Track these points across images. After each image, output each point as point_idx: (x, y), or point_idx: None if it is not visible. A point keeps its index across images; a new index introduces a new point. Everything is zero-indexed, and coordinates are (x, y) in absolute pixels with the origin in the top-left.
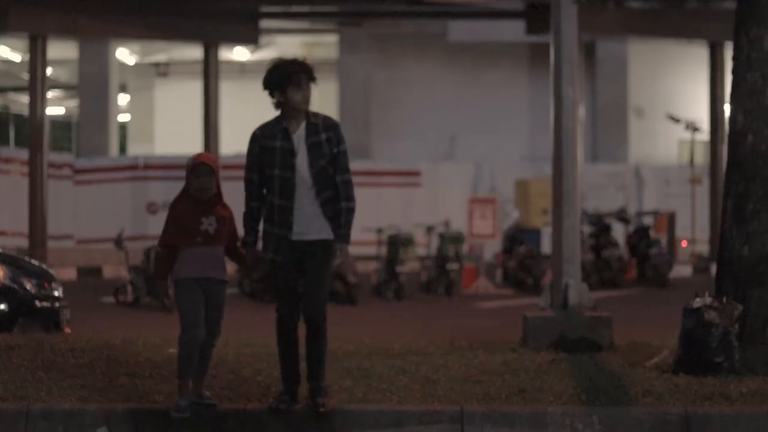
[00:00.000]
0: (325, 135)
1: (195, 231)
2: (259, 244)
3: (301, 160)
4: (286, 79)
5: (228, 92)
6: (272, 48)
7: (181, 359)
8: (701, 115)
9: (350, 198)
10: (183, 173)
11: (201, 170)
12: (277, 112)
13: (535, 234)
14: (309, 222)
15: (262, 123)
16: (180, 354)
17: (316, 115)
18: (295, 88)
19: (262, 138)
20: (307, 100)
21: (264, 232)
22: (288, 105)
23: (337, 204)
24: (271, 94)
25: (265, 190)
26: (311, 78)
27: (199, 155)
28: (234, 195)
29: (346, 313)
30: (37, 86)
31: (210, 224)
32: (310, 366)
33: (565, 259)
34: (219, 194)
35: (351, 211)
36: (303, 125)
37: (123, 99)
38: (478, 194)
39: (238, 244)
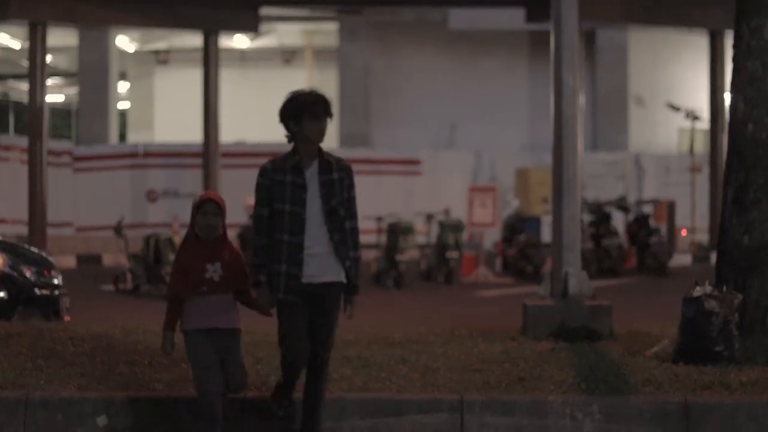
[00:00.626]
0: (338, 175)
1: (200, 280)
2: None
3: (313, 197)
4: (302, 109)
5: (228, 80)
6: (272, 35)
7: (198, 409)
8: (701, 103)
9: (358, 247)
10: (183, 161)
11: (208, 208)
12: (287, 147)
13: (535, 222)
14: (321, 263)
15: (273, 159)
16: (197, 404)
17: (329, 154)
18: (312, 120)
19: (272, 172)
20: (322, 133)
21: (271, 272)
22: (302, 137)
23: (347, 250)
24: (286, 125)
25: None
26: (328, 112)
27: (206, 193)
28: (233, 183)
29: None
30: (36, 74)
31: (215, 271)
32: (307, 407)
33: (565, 248)
34: (224, 235)
35: (359, 261)
36: (316, 162)
37: (123, 87)
38: (478, 183)
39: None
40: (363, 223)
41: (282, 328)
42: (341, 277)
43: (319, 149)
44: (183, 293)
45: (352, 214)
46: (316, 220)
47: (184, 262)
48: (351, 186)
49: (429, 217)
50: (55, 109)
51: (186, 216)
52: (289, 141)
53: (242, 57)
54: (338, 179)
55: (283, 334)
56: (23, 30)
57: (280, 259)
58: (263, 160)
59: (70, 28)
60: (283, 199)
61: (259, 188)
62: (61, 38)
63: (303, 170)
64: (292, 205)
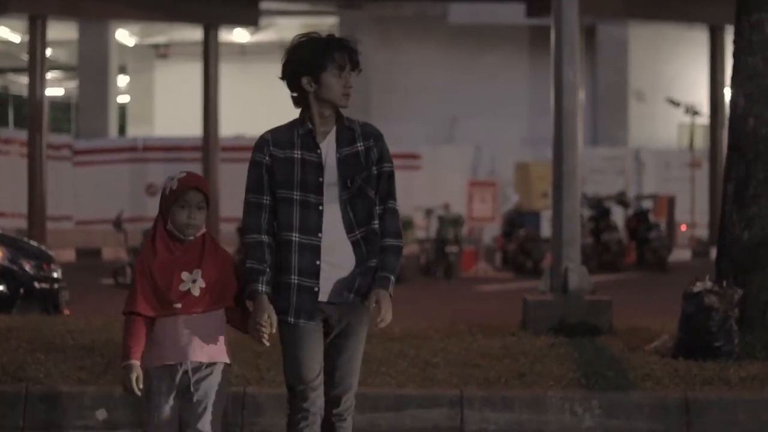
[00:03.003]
0: (363, 145)
1: (172, 293)
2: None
3: (330, 179)
4: (326, 60)
5: (228, 74)
6: (272, 30)
7: None
8: (701, 98)
9: (398, 234)
10: (183, 155)
11: (191, 199)
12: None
13: (535, 217)
14: (345, 272)
15: (274, 127)
16: None
17: (349, 119)
18: (338, 74)
19: (275, 146)
20: (348, 93)
21: (276, 284)
22: (319, 99)
23: (378, 242)
24: (293, 83)
25: (276, 223)
26: (355, 63)
27: (186, 177)
28: (233, 177)
29: None
30: (36, 67)
31: (194, 282)
32: None
33: (564, 243)
34: (207, 233)
35: (399, 251)
36: (333, 131)
37: (122, 80)
38: (478, 177)
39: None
40: None
41: (287, 358)
42: (353, 299)
43: (338, 113)
44: (149, 310)
45: (389, 193)
46: (335, 211)
47: (150, 269)
48: (383, 157)
49: (428, 212)
50: (55, 102)
51: None
52: (297, 105)
53: (242, 51)
54: (364, 151)
55: (290, 373)
56: (23, 23)
57: (289, 266)
58: None
59: (70, 22)
60: (290, 183)
61: (255, 168)
62: (61, 32)
63: (317, 142)
64: (304, 193)
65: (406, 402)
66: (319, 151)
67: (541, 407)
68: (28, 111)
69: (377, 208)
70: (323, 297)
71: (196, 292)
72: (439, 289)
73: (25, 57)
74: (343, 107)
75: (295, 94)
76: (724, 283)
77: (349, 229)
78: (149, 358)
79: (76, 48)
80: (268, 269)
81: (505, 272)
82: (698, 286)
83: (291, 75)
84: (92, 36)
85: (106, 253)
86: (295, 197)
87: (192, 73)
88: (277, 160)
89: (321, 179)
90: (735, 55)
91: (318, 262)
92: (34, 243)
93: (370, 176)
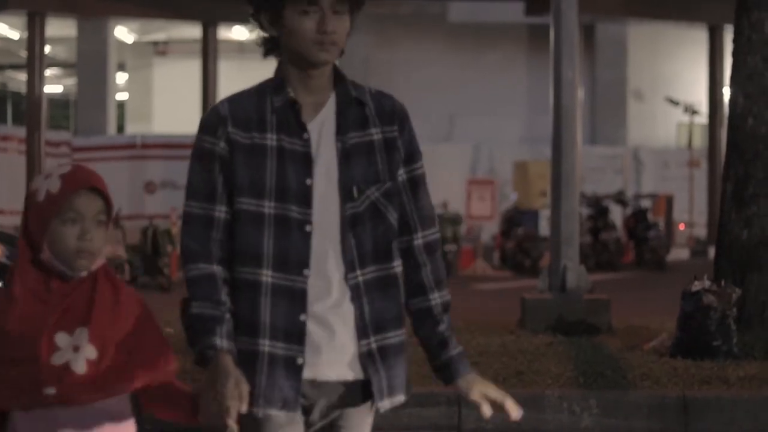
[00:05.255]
0: (382, 131)
1: (42, 370)
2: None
3: (325, 181)
4: None
5: (226, 71)
6: None
7: None
8: (700, 98)
9: (441, 282)
10: (182, 153)
11: (83, 206)
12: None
13: (533, 216)
14: (341, 338)
15: (234, 93)
16: None
17: (356, 85)
18: (301, 9)
19: (235, 125)
20: (325, 41)
21: (241, 351)
22: (290, 51)
23: (397, 296)
24: (255, 18)
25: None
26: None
27: (74, 172)
28: None
29: None
30: (35, 64)
31: (77, 348)
32: None
33: (563, 242)
34: (104, 268)
35: (447, 308)
36: (330, 104)
37: (121, 77)
38: (477, 176)
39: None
40: None
41: None
42: (361, 374)
43: (336, 75)
44: (3, 399)
45: (424, 215)
46: (334, 236)
47: (3, 329)
48: (413, 153)
49: None
50: (54, 99)
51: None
52: (267, 53)
53: (241, 48)
54: (381, 141)
55: None
56: (22, 20)
57: (254, 323)
58: None
59: (69, 19)
60: (258, 187)
61: (202, 160)
62: (60, 29)
63: (303, 122)
64: (281, 203)
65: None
66: (306, 135)
67: (539, 406)
68: (27, 108)
69: (402, 240)
70: (310, 373)
71: (79, 368)
72: None
73: (23, 54)
74: (319, 63)
75: (264, 35)
76: (723, 283)
77: (350, 266)
78: None
79: (74, 45)
80: (227, 315)
81: (504, 271)
82: (697, 286)
83: (253, 7)
84: (91, 33)
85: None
86: (266, 210)
87: (191, 70)
88: (239, 148)
89: (309, 181)
90: (734, 54)
91: (302, 317)
92: None
93: (392, 187)
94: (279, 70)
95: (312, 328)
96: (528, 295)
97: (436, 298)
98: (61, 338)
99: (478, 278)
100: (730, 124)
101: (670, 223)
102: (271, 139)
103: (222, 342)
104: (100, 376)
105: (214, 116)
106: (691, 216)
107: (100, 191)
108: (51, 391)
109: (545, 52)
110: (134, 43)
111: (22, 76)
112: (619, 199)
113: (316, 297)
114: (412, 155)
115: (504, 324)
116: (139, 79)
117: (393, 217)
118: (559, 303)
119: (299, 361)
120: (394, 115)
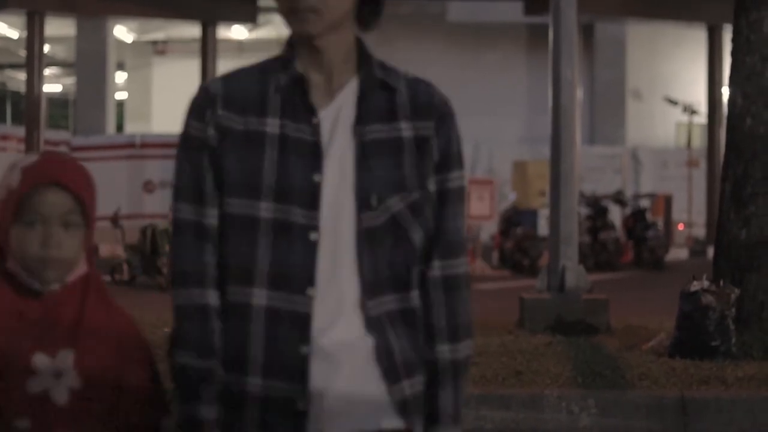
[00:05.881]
0: (414, 127)
1: (14, 398)
2: None
3: (337, 182)
4: None
5: (225, 71)
6: (270, 27)
7: None
8: (699, 97)
9: (458, 330)
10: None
11: (46, 205)
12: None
13: (532, 215)
14: (354, 374)
15: (231, 70)
16: None
17: (386, 66)
18: None
19: (227, 106)
20: (299, 7)
21: (227, 395)
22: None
23: (415, 334)
24: None
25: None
26: None
27: (40, 163)
28: None
29: None
30: (34, 63)
31: (59, 375)
32: None
33: (562, 241)
34: (91, 276)
35: (459, 369)
36: (351, 88)
37: (120, 77)
38: (476, 175)
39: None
40: None
41: None
42: (399, 422)
43: (361, 54)
44: None
45: (447, 241)
46: (348, 250)
47: None
48: (450, 160)
49: None
50: (53, 99)
51: None
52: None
53: (240, 48)
54: (412, 140)
55: None
56: (21, 19)
57: (243, 356)
58: None
59: (68, 18)
60: (253, 185)
61: (188, 152)
62: (59, 28)
63: (313, 104)
64: (282, 203)
65: None
66: (315, 119)
67: (537, 406)
68: (26, 107)
69: (423, 269)
70: (317, 425)
71: (60, 398)
72: None
73: (22, 53)
74: (296, 34)
75: None
76: (722, 283)
77: (369, 290)
78: None
79: (74, 44)
80: (218, 368)
81: (502, 270)
82: (695, 286)
83: None
84: (90, 32)
85: (103, 250)
86: (261, 213)
87: (190, 69)
88: (230, 135)
89: (317, 177)
90: (733, 54)
91: (304, 349)
92: None
93: (419, 199)
94: (289, 44)
95: (317, 367)
96: (527, 294)
97: (445, 351)
98: (40, 360)
99: (477, 278)
100: (728, 124)
101: (668, 223)
102: (271, 125)
103: (208, 412)
104: (83, 411)
105: (202, 96)
106: (690, 216)
107: (67, 186)
108: (24, 424)
109: (544, 52)
110: (133, 42)
111: (22, 76)
112: (618, 198)
113: (322, 325)
114: (447, 161)
115: (503, 324)
116: (138, 78)
117: (417, 236)
118: (558, 303)
119: (300, 405)
120: (431, 108)
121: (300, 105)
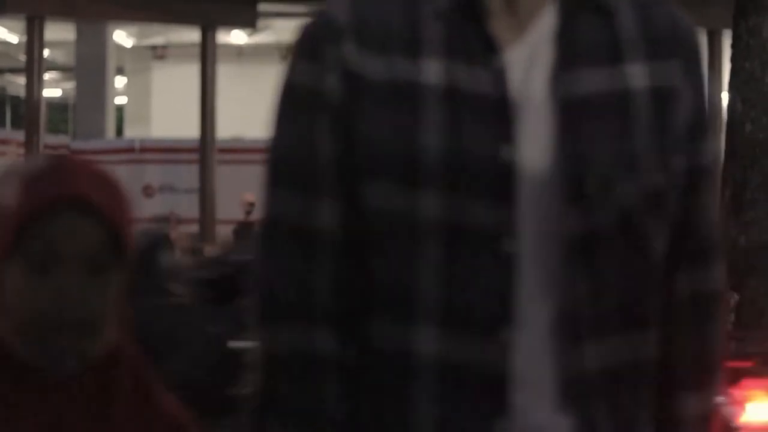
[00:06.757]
0: (650, 70)
1: None
2: None
3: (535, 159)
4: None
5: (225, 75)
6: (270, 32)
7: None
8: None
9: (707, 373)
10: (179, 156)
11: (60, 237)
12: None
13: None
14: None
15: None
16: None
17: None
18: None
19: (361, 40)
20: None
21: None
22: None
23: (643, 406)
24: None
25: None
26: None
27: (46, 173)
28: (230, 179)
29: None
30: (34, 68)
31: None
32: None
33: None
34: (131, 358)
35: (708, 425)
36: (547, 16)
37: (120, 81)
38: None
39: None
40: None
41: None
42: None
43: None
44: None
45: (701, 243)
46: (549, 269)
47: None
48: (701, 118)
49: None
50: (52, 103)
51: (182, 210)
52: None
53: (240, 53)
54: (646, 90)
55: None
56: (21, 24)
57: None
58: (260, 156)
59: (68, 22)
60: (404, 164)
61: (293, 111)
62: (59, 32)
63: (495, 41)
64: (455, 194)
65: None
66: (498, 62)
67: None
68: (26, 112)
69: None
70: None
71: None
72: None
73: (22, 57)
74: None
75: None
76: None
77: (570, 333)
78: None
79: (73, 49)
80: None
81: None
82: None
83: None
84: (90, 37)
85: None
86: (422, 209)
87: (189, 74)
88: (368, 87)
89: (507, 153)
90: (732, 59)
91: (499, 427)
92: None
93: (665, 186)
94: None
95: None
96: None
97: (689, 406)
98: None
99: None
100: (727, 129)
101: None
102: (431, 71)
103: None
104: None
105: (321, 25)
106: None
107: (95, 205)
108: None
109: None
110: (133, 47)
111: (21, 80)
112: None
113: (524, 387)
114: (701, 124)
115: None
116: (137, 82)
117: (660, 244)
118: None
119: None
120: (675, 41)
121: (474, 39)
